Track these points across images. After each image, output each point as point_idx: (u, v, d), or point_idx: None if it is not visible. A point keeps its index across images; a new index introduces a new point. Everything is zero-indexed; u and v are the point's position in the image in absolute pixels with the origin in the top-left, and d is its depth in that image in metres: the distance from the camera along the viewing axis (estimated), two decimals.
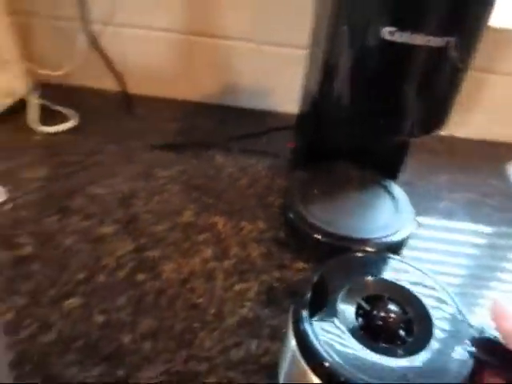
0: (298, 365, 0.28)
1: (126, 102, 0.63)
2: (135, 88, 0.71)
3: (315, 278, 0.31)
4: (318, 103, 0.47)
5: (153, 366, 0.36)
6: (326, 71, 0.43)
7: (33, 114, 0.64)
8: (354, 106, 0.43)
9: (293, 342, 0.28)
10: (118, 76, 0.70)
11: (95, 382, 0.34)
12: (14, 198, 0.50)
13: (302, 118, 0.54)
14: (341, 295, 0.30)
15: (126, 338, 0.38)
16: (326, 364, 0.26)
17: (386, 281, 0.31)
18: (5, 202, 0.50)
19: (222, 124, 0.68)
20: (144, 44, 0.67)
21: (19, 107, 0.65)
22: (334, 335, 0.27)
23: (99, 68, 0.70)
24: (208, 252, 0.46)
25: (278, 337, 0.38)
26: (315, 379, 0.26)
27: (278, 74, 0.67)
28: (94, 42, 0.68)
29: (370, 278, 0.31)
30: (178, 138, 0.63)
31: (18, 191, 0.51)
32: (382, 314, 0.28)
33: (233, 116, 0.70)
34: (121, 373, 0.35)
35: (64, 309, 0.39)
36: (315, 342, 0.27)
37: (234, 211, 0.51)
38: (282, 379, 0.32)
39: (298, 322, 0.28)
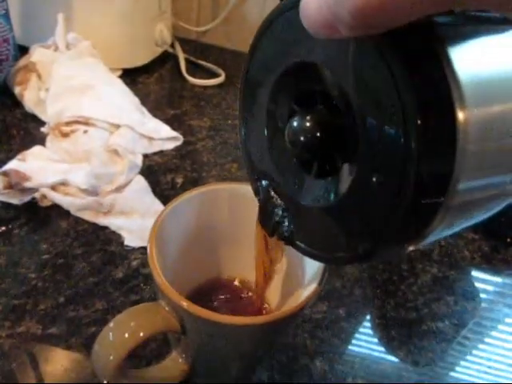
0: None
1: None
2: None
3: None
4: None
5: (366, 310, 0.39)
6: None
7: (181, 66, 0.65)
8: None
9: None
10: None
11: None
12: (189, 142, 0.52)
13: None
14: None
15: (337, 283, 0.40)
16: None
17: None
18: (182, 146, 0.52)
19: None
20: None
21: (163, 58, 0.67)
22: None
23: (239, 29, 0.72)
24: None
25: (471, 297, 0.41)
26: None
27: None
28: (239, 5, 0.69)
29: None
30: None
31: (192, 137, 0.53)
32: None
33: None
34: (340, 311, 0.38)
35: None
36: None
37: None
38: None
39: None
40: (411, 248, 0.17)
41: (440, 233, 0.16)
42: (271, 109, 0.21)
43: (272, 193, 0.22)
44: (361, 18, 0.12)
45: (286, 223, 0.22)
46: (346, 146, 0.17)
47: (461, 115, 0.14)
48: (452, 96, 0.14)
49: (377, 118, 0.15)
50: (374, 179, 0.16)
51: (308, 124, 0.17)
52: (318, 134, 0.17)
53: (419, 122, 0.14)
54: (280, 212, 0.22)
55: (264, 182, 0.23)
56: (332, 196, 0.18)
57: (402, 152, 0.14)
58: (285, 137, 0.19)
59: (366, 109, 0.16)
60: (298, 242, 0.21)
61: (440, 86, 0.14)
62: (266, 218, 0.23)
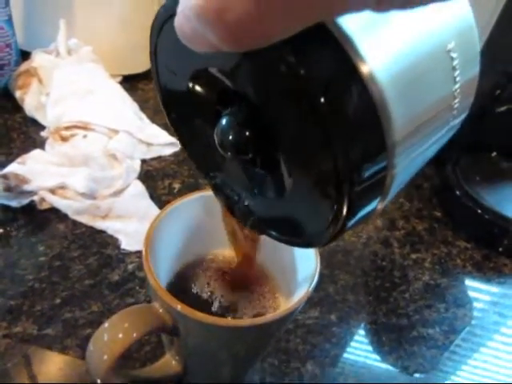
0: None
1: None
2: None
3: None
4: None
5: (358, 316, 0.39)
6: None
7: None
8: None
9: None
10: None
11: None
12: None
13: None
14: None
15: (330, 289, 0.41)
16: None
17: None
18: (180, 152, 0.53)
19: None
20: None
21: None
22: None
23: None
24: (378, 221, 0.49)
25: (462, 305, 0.42)
26: None
27: None
28: None
29: None
30: None
31: None
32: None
33: None
34: (332, 317, 0.38)
35: None
36: None
37: None
38: None
39: None
40: (379, 206, 0.16)
41: (398, 187, 0.16)
42: (195, 111, 0.20)
43: (229, 190, 0.22)
44: (231, 44, 0.11)
45: (252, 215, 0.21)
46: (276, 141, 0.16)
47: (366, 72, 0.13)
48: (352, 60, 0.13)
49: (289, 111, 0.15)
50: (311, 174, 0.16)
51: (232, 126, 0.17)
52: (247, 134, 0.17)
53: (322, 99, 0.13)
54: (242, 206, 0.22)
55: (218, 180, 0.23)
56: (283, 187, 0.18)
57: (325, 141, 0.13)
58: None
59: (277, 103, 0.15)
60: (269, 231, 0.21)
61: (336, 56, 0.13)
62: (233, 213, 0.23)
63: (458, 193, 0.50)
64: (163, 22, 0.17)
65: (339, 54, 0.13)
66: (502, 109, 0.54)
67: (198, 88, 0.19)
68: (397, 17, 0.14)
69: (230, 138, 0.17)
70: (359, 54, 0.13)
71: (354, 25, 0.13)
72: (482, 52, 0.49)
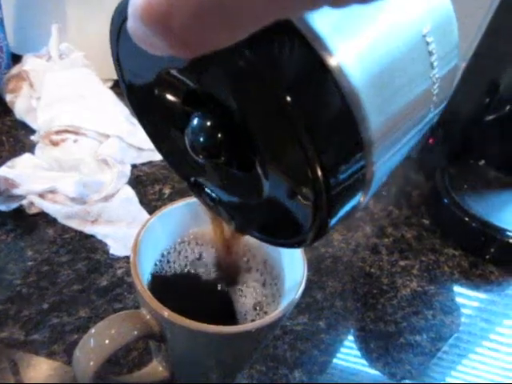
0: None
1: None
2: None
3: None
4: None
5: (347, 322, 0.39)
6: None
7: None
8: None
9: None
10: None
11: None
12: None
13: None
14: None
15: (318, 295, 0.41)
16: None
17: None
18: None
19: None
20: None
21: None
22: None
23: None
24: (367, 228, 0.50)
25: (450, 312, 0.42)
26: None
27: None
28: None
29: None
30: None
31: None
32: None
33: None
34: (320, 323, 0.39)
35: None
36: None
37: (380, 196, 0.55)
38: None
39: None
40: (363, 199, 0.16)
41: (381, 180, 0.16)
42: (166, 116, 0.19)
43: (209, 192, 0.22)
44: (180, 51, 0.10)
45: (234, 217, 0.21)
46: (249, 143, 0.15)
47: (334, 65, 0.12)
48: (319, 54, 0.12)
49: (257, 112, 0.14)
50: (287, 176, 0.15)
51: (202, 129, 0.16)
52: (218, 136, 0.16)
53: (288, 98, 0.12)
54: (224, 208, 0.21)
55: (198, 184, 0.22)
56: (261, 189, 0.17)
57: (296, 142, 0.13)
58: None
59: (245, 104, 0.14)
60: (252, 232, 0.20)
61: (300, 50, 0.12)
62: (218, 215, 0.23)
63: (446, 201, 0.50)
64: (120, 25, 0.16)
65: (304, 49, 0.12)
66: (490, 118, 0.55)
67: (164, 92, 0.18)
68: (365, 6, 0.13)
69: (201, 140, 0.16)
70: (326, 47, 0.12)
71: (322, 18, 0.12)
72: (471, 62, 0.50)
